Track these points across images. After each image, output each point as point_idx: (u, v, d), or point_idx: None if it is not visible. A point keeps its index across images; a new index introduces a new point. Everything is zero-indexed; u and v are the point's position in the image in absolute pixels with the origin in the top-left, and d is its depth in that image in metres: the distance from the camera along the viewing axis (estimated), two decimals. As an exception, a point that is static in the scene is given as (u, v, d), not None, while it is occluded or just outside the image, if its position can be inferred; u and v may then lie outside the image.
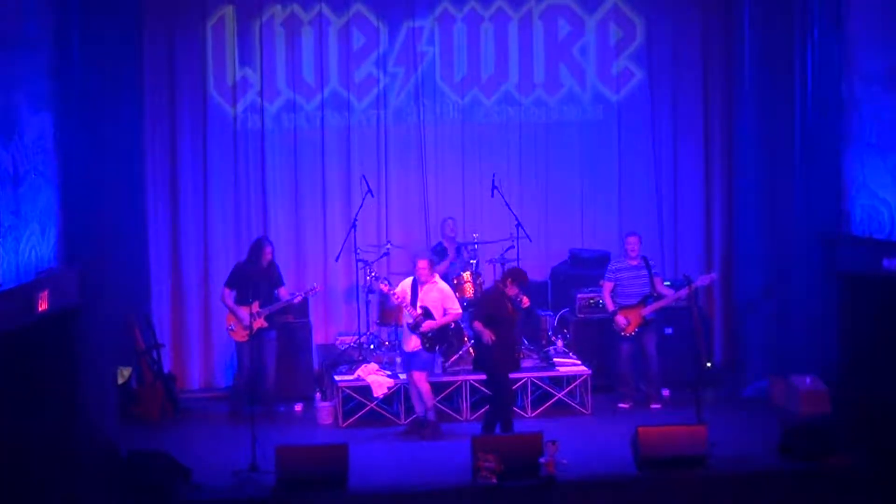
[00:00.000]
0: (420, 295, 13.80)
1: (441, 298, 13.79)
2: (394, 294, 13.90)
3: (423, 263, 13.84)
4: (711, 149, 16.79)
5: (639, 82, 16.78)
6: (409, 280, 13.95)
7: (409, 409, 14.27)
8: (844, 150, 13.94)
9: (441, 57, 16.57)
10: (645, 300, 14.69)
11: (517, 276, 13.42)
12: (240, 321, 14.36)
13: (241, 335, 14.40)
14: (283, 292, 14.69)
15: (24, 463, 11.34)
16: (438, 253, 15.61)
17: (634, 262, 14.84)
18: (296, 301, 14.77)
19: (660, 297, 14.73)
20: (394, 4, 16.45)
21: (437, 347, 13.86)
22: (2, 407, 11.07)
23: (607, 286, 14.84)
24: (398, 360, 14.76)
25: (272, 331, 14.67)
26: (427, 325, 13.69)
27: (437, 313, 13.72)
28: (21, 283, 11.02)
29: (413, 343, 13.79)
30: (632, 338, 14.73)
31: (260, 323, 14.43)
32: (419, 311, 13.72)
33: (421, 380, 13.76)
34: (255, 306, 14.28)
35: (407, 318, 13.84)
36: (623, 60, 16.77)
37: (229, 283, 14.63)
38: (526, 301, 13.52)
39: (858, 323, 13.66)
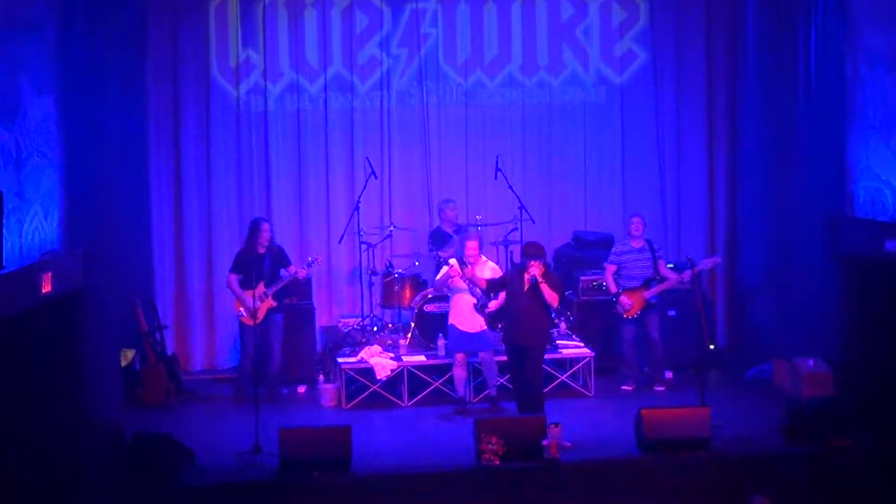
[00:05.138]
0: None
1: (493, 277, 13.78)
2: (461, 276, 13.70)
3: (473, 244, 13.87)
4: (715, 130, 16.76)
5: (642, 63, 16.76)
6: (454, 260, 13.88)
7: (413, 391, 14.30)
8: (848, 132, 13.92)
9: (444, 38, 16.56)
10: (648, 283, 14.69)
11: (525, 250, 13.31)
12: (245, 306, 14.33)
13: (251, 320, 14.36)
14: (289, 271, 14.65)
15: (27, 446, 11.34)
16: (437, 239, 15.59)
17: (638, 245, 14.81)
18: (300, 275, 14.68)
19: (663, 279, 14.72)
20: (397, -15, 16.47)
21: (498, 325, 13.84)
22: (5, 389, 11.07)
23: (610, 269, 14.82)
24: (401, 342, 14.78)
25: (279, 313, 14.66)
26: (493, 304, 13.74)
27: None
28: (24, 265, 11.02)
29: (478, 324, 13.81)
30: (635, 320, 14.73)
31: (269, 303, 14.43)
32: (479, 290, 13.76)
33: (492, 359, 13.82)
34: (261, 287, 14.30)
35: (465, 298, 13.80)
36: (626, 42, 16.75)
37: (234, 269, 14.62)
38: (532, 269, 13.01)
39: (861, 305, 13.65)
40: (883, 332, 13.23)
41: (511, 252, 15.66)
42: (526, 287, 13.12)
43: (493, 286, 13.51)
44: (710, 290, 16.52)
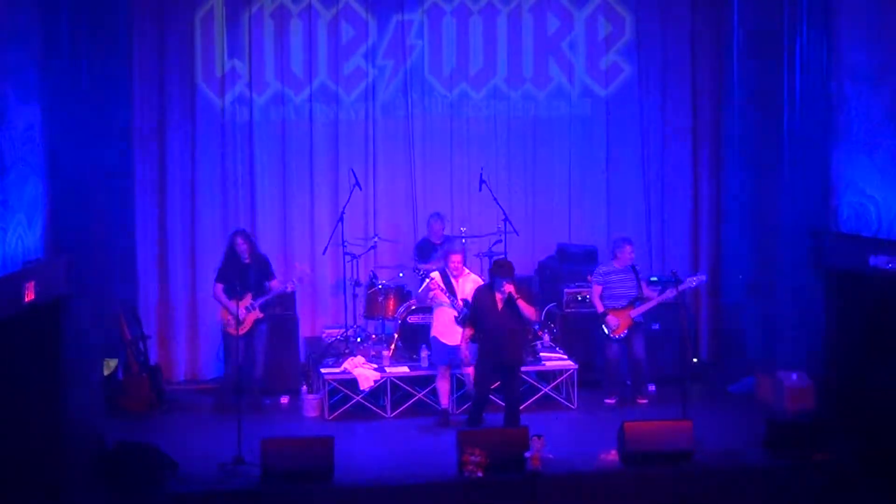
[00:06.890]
0: (457, 289, 13.82)
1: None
2: (441, 290, 13.78)
3: (457, 257, 13.88)
4: (700, 144, 16.80)
5: (627, 77, 16.79)
6: (436, 274, 13.92)
7: (396, 403, 14.28)
8: (832, 148, 13.94)
9: (430, 50, 16.56)
10: (633, 302, 14.67)
11: (495, 269, 13.22)
12: (231, 315, 14.27)
13: (235, 330, 14.33)
14: (276, 284, 14.65)
15: (8, 454, 11.31)
16: (424, 250, 15.59)
17: (621, 266, 14.78)
18: (288, 289, 14.77)
19: (647, 299, 14.69)
20: (383, -3, 16.48)
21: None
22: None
23: (596, 290, 14.76)
24: (385, 353, 14.76)
25: (264, 323, 14.65)
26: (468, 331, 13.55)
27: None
28: (7, 274, 11.00)
29: (460, 336, 13.70)
30: (620, 339, 14.70)
31: (255, 314, 14.43)
32: (461, 303, 13.72)
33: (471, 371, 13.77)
34: (248, 299, 14.29)
35: (447, 311, 13.82)
36: (612, 55, 16.78)
37: (219, 278, 14.60)
38: (507, 287, 12.99)
39: (845, 320, 13.69)
40: (865, 347, 13.27)
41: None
42: (500, 306, 13.09)
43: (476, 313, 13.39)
44: (694, 304, 16.52)
